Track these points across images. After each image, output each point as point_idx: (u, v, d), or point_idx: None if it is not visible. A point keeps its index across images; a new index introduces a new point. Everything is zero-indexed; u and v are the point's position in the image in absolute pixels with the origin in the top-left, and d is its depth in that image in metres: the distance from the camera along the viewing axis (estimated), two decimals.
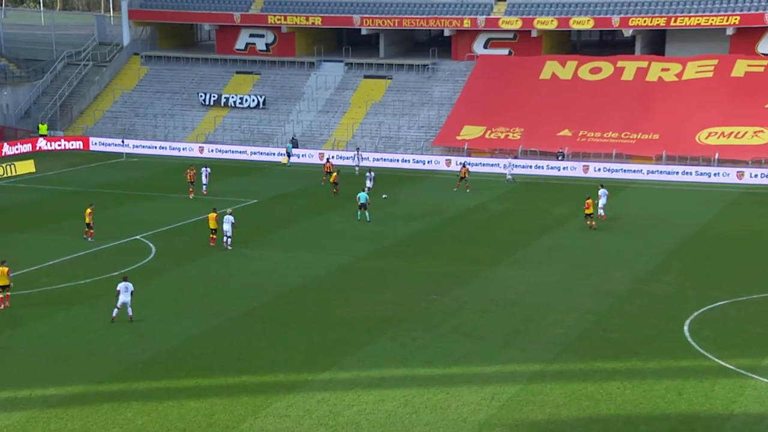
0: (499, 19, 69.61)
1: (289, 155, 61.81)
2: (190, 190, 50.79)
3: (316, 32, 75.73)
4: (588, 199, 43.32)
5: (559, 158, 59.98)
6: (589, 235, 42.64)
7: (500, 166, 55.37)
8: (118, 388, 25.27)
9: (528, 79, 67.14)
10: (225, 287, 34.42)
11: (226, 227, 39.38)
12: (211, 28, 79.62)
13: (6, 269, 31.61)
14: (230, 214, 39.96)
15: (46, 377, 25.93)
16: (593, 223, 43.11)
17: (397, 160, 61.43)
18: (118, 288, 30.14)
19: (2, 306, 31.50)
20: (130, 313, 30.22)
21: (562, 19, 68.62)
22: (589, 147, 61.18)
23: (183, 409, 23.95)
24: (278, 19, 73.90)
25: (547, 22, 68.86)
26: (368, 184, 50.85)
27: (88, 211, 41.02)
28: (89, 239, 40.78)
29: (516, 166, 56.84)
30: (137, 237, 42.09)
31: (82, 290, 34.10)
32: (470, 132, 63.75)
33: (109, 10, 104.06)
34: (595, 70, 66.81)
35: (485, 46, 71.38)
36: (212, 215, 40.13)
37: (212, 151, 65.27)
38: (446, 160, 60.72)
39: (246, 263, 37.75)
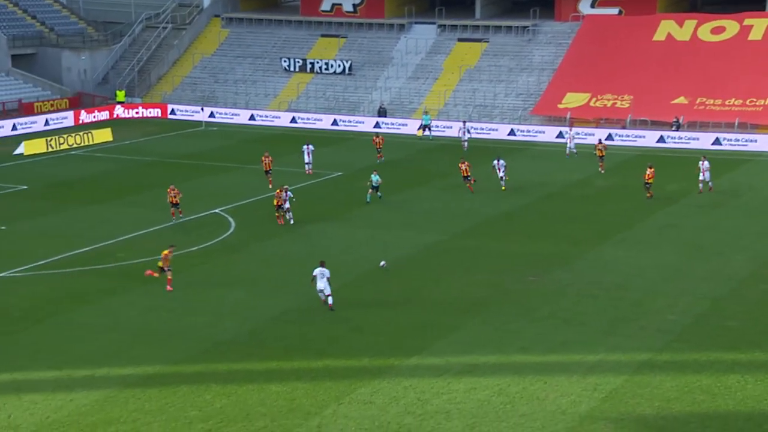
0: None
1: (428, 127, 60.63)
2: (269, 179, 46.64)
3: None
4: (650, 167, 43.62)
5: (674, 128, 58.58)
6: (706, 213, 41.64)
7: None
8: (196, 369, 25.99)
9: (640, 41, 65.62)
10: (307, 265, 34.65)
11: (287, 205, 39.73)
12: None
13: (167, 251, 32.03)
14: (286, 191, 39.85)
15: (123, 356, 26.84)
16: (651, 193, 43.55)
17: (494, 130, 61.07)
18: (314, 273, 29.86)
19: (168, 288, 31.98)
20: (330, 302, 29.60)
21: None
22: (708, 116, 59.54)
23: (263, 392, 24.47)
24: None
25: None
26: (500, 173, 46.04)
27: (169, 191, 40.52)
28: (174, 217, 40.69)
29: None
30: (216, 210, 43.01)
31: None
32: (573, 99, 62.79)
33: None
34: (718, 30, 64.78)
35: (592, 5, 69.95)
36: (278, 192, 40.10)
37: (294, 120, 66.15)
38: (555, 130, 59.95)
39: (329, 241, 38.16)
